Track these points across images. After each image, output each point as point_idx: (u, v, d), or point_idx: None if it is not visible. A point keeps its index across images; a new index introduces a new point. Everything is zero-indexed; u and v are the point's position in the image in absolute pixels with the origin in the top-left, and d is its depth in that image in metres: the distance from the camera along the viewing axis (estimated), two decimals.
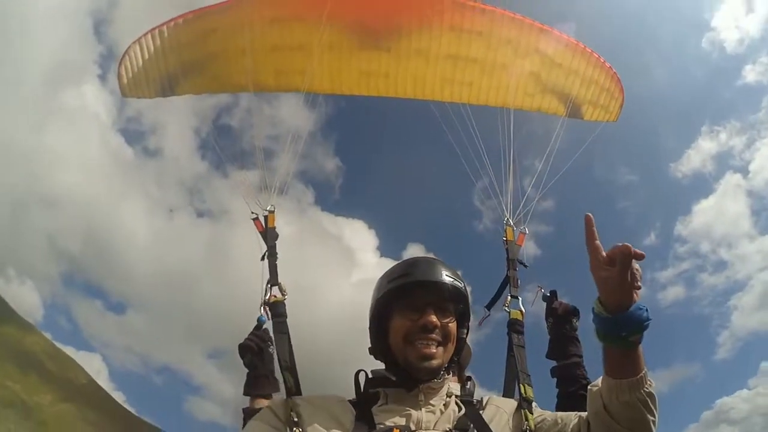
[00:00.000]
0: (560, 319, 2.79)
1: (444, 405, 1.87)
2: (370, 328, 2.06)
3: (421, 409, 1.82)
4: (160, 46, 3.88)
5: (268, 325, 2.66)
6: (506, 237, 3.11)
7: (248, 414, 2.45)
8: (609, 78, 4.17)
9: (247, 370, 2.64)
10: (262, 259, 2.77)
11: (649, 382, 1.64)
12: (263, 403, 2.46)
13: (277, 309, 2.53)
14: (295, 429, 1.76)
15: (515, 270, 2.94)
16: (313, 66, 3.66)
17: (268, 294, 2.61)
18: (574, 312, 2.76)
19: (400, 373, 1.89)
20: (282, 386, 2.27)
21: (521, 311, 2.65)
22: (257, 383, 2.58)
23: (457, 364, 2.22)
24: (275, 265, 2.73)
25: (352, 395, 1.97)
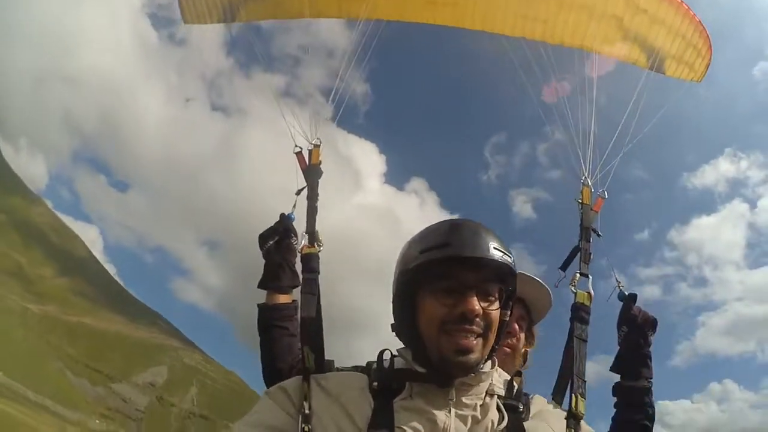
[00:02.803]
0: (637, 329, 2.29)
1: (481, 406, 1.58)
2: (393, 302, 1.72)
3: (450, 411, 1.53)
4: None
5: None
6: (581, 200, 2.64)
7: (264, 311, 2.25)
8: (697, 33, 3.74)
9: (265, 262, 2.38)
10: (297, 194, 2.43)
11: None
12: (280, 299, 2.27)
13: (309, 262, 2.17)
14: (304, 426, 1.49)
15: (588, 241, 2.47)
16: None
17: (302, 242, 2.25)
18: (653, 324, 2.29)
19: (430, 366, 1.58)
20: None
21: (590, 294, 2.23)
22: (274, 274, 2.32)
23: (526, 322, 2.06)
24: (315, 209, 2.34)
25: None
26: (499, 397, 1.63)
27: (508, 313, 1.69)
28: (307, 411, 1.53)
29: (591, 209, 2.62)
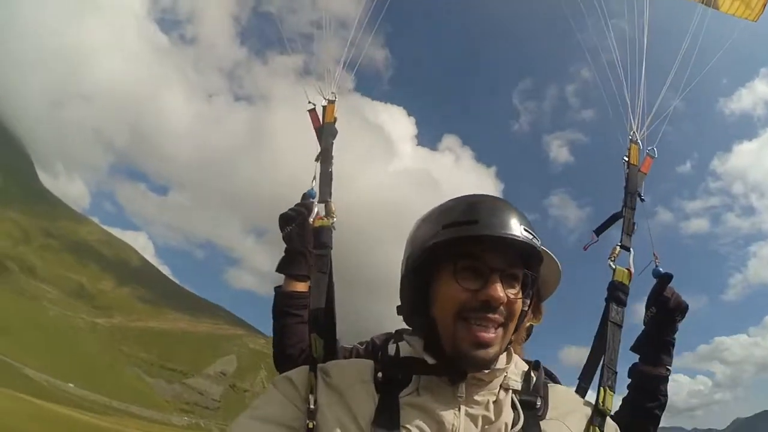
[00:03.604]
0: (667, 313, 2.08)
1: (494, 403, 1.38)
2: (403, 283, 1.50)
3: (460, 410, 1.34)
4: None
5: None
6: (629, 158, 2.26)
7: (280, 296, 2.16)
8: None
9: (285, 246, 2.20)
10: (317, 159, 2.11)
11: None
12: (297, 287, 2.15)
13: (320, 236, 1.87)
14: (309, 423, 1.33)
15: (633, 209, 2.14)
16: None
17: (314, 212, 2.04)
18: (683, 311, 2.09)
19: (442, 357, 1.38)
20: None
21: (630, 271, 1.96)
22: (293, 261, 2.16)
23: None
24: (329, 175, 2.03)
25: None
26: (514, 392, 1.43)
27: (528, 302, 1.45)
28: (312, 406, 1.37)
29: (639, 170, 2.25)
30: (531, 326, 2.40)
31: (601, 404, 1.54)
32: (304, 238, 2.13)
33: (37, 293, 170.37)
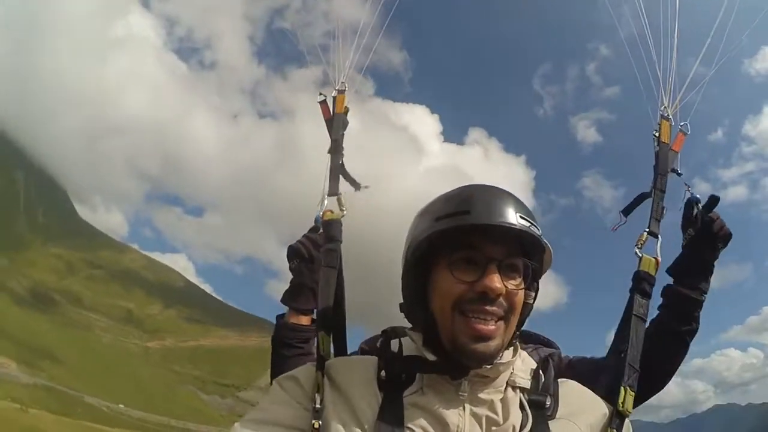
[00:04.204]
0: (710, 237, 1.92)
1: (501, 401, 1.31)
2: (403, 279, 1.45)
3: (464, 409, 1.28)
4: None
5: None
6: (659, 135, 2.07)
7: (282, 328, 2.09)
8: None
9: (292, 277, 2.12)
10: (329, 152, 2.04)
11: None
12: (301, 320, 2.08)
13: (330, 229, 1.81)
14: (315, 422, 1.27)
15: (663, 191, 1.95)
16: None
17: (324, 204, 1.92)
18: (727, 238, 1.95)
19: (442, 353, 1.31)
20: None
21: (657, 260, 1.76)
22: (298, 295, 2.08)
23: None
24: (339, 167, 1.98)
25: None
26: (522, 390, 1.36)
27: (533, 295, 1.40)
28: (318, 405, 1.32)
29: (670, 149, 2.07)
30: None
31: (621, 405, 1.44)
32: (313, 271, 2.06)
33: (88, 323, 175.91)
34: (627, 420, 1.43)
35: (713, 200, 1.95)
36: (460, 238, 1.29)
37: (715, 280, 2.00)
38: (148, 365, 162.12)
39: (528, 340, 1.91)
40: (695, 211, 1.95)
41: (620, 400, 1.44)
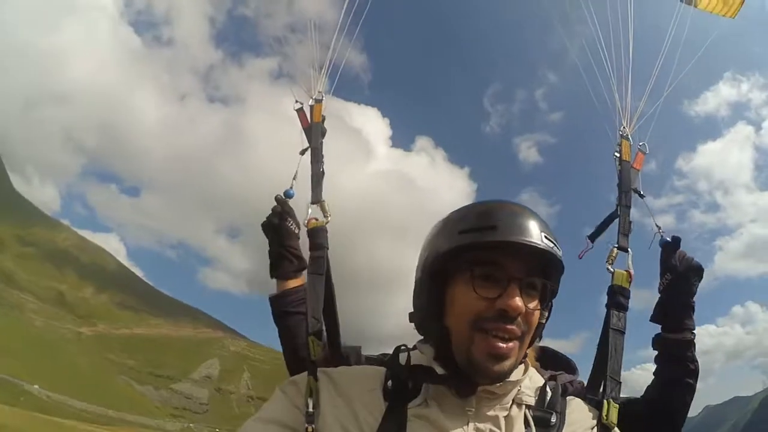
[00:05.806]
0: (680, 277, 1.90)
1: (505, 419, 1.31)
2: (416, 289, 1.44)
3: (468, 425, 1.28)
4: None
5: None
6: (620, 154, 2.15)
7: (275, 300, 2.06)
8: None
9: (267, 251, 2.12)
10: (302, 153, 2.08)
11: None
12: (289, 284, 2.07)
13: (316, 237, 1.80)
14: (308, 426, 1.29)
15: (629, 207, 2.02)
16: None
17: (308, 213, 1.89)
18: (698, 271, 1.91)
19: (452, 368, 1.31)
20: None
21: (630, 273, 1.80)
22: (278, 264, 2.09)
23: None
24: (320, 175, 1.98)
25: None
26: (528, 407, 1.36)
27: (547, 315, 1.39)
28: (310, 410, 1.34)
29: (631, 166, 2.12)
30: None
31: (605, 418, 1.44)
32: (281, 237, 2.08)
33: (20, 303, 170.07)
34: (615, 430, 1.43)
35: (673, 243, 1.95)
36: (483, 254, 1.27)
37: (639, 303, 1.93)
38: (83, 353, 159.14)
39: (552, 360, 2.01)
40: (673, 258, 1.92)
41: (604, 413, 1.45)
